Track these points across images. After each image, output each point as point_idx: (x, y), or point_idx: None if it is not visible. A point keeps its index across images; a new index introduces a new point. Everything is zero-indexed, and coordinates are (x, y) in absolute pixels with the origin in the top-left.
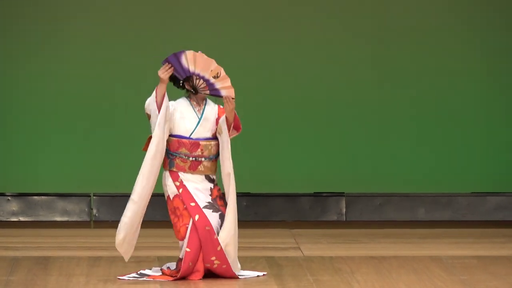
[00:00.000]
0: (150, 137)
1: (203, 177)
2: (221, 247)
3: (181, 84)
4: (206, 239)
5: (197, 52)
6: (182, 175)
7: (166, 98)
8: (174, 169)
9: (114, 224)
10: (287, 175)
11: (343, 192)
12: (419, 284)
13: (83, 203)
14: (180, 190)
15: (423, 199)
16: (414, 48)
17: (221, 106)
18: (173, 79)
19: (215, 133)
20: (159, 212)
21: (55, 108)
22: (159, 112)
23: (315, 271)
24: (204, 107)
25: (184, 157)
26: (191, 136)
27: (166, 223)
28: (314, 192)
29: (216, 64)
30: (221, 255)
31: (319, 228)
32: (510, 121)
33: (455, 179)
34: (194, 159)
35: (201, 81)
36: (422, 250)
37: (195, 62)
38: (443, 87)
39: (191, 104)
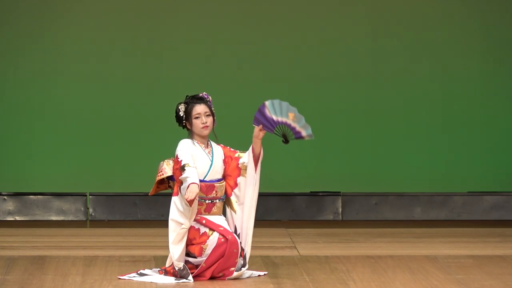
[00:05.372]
0: (157, 182)
1: (217, 216)
2: (234, 269)
3: (184, 126)
4: (228, 258)
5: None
6: (199, 216)
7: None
8: None
9: (110, 223)
10: (283, 175)
11: (339, 192)
12: (414, 283)
13: (79, 202)
14: (204, 221)
15: (419, 198)
16: (409, 48)
17: (222, 145)
18: (178, 119)
19: (224, 174)
20: (155, 212)
21: (51, 107)
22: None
23: (311, 270)
24: (212, 149)
25: (201, 200)
26: (205, 179)
27: (162, 223)
28: (310, 192)
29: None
30: (230, 273)
31: (315, 227)
32: (506, 121)
33: (451, 178)
34: (210, 201)
35: (287, 128)
36: (418, 249)
37: (280, 110)
38: (439, 87)
39: (199, 146)
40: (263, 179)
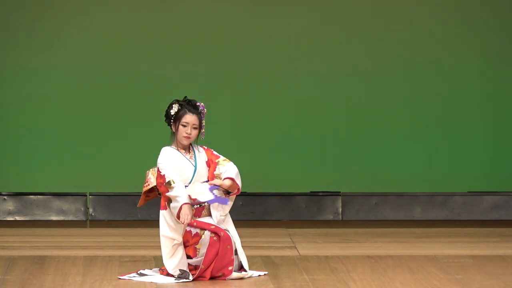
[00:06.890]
0: (145, 192)
1: (207, 217)
2: (232, 267)
3: (169, 124)
4: (223, 256)
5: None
6: None
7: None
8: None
9: (110, 223)
10: (283, 175)
11: (339, 192)
12: (414, 283)
13: (79, 202)
14: (195, 224)
15: (419, 198)
16: (409, 49)
17: (205, 147)
18: (166, 115)
19: (209, 176)
20: (155, 212)
21: (51, 108)
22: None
23: (311, 270)
24: (194, 154)
25: None
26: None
27: None
28: (310, 191)
29: None
30: (229, 273)
31: (315, 227)
32: (506, 121)
33: (451, 178)
34: (198, 205)
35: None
36: (418, 249)
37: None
38: (439, 86)
39: (180, 153)
40: (263, 179)
